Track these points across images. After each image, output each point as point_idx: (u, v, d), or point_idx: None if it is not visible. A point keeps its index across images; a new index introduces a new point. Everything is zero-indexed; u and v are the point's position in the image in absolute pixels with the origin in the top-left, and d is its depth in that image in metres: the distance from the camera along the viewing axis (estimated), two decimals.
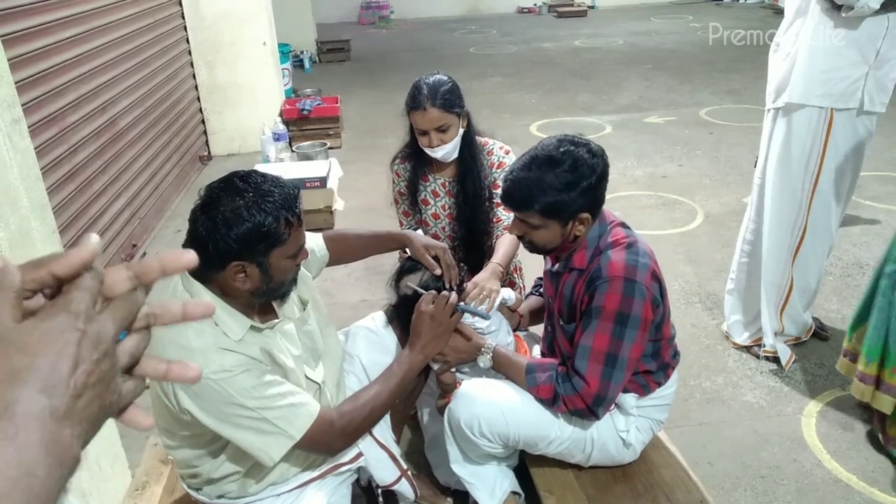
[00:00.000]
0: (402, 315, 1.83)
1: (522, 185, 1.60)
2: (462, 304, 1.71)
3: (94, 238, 0.45)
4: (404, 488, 1.76)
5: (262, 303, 1.49)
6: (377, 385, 1.59)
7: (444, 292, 1.68)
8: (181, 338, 1.33)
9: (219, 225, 1.31)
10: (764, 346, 2.73)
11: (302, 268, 1.68)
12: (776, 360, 2.69)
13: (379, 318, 1.96)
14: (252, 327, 1.41)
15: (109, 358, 0.44)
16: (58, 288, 0.45)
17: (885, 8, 2.15)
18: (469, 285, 1.88)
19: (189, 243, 1.37)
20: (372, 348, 1.87)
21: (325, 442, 1.47)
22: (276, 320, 1.50)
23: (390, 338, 1.89)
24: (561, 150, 1.59)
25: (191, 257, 0.48)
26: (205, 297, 1.38)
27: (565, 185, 1.56)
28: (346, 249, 1.91)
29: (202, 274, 1.40)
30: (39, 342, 0.41)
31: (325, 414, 1.45)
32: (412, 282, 1.80)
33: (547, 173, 1.57)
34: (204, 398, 1.34)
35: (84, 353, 0.42)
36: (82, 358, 0.42)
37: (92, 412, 0.42)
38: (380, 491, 1.77)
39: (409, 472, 1.77)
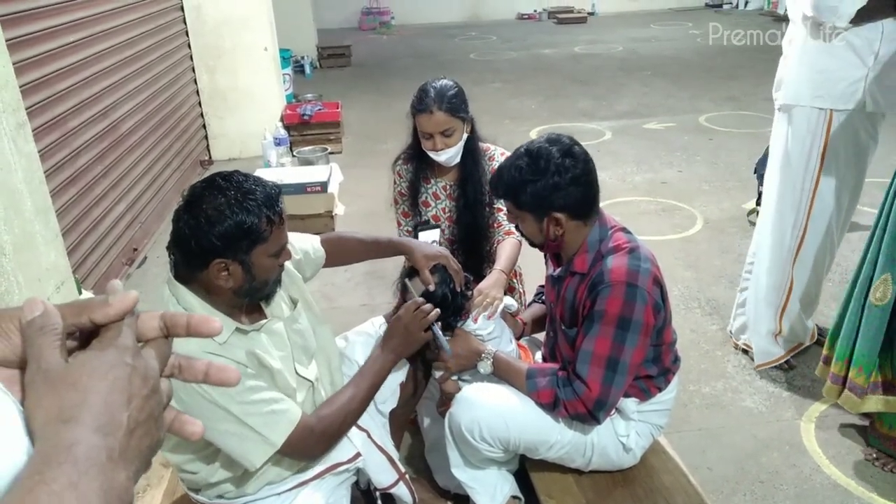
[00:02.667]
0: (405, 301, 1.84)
1: (499, 171, 1.70)
2: (436, 325, 1.70)
3: (133, 292, 0.46)
4: (402, 492, 1.77)
5: (249, 303, 1.50)
6: (351, 387, 1.61)
7: (428, 306, 1.68)
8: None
9: (201, 223, 1.33)
10: (732, 335, 2.82)
11: (293, 268, 1.70)
12: (780, 367, 2.70)
13: (379, 322, 1.96)
14: (238, 329, 1.42)
15: (157, 395, 0.44)
16: (92, 331, 0.45)
17: (868, 20, 2.15)
18: (474, 292, 1.89)
19: (173, 242, 1.40)
20: (371, 353, 1.87)
21: (305, 448, 1.49)
22: (265, 320, 1.51)
23: None
24: (537, 145, 1.64)
25: (216, 326, 0.49)
26: (189, 300, 1.40)
27: (523, 178, 1.62)
28: (344, 252, 1.92)
29: (186, 274, 1.41)
30: (91, 377, 0.40)
31: (305, 420, 1.46)
32: (421, 285, 1.80)
33: (514, 163, 1.64)
34: (187, 401, 1.35)
35: (135, 389, 0.42)
36: (134, 393, 0.42)
37: (143, 450, 0.42)
38: (378, 494, 1.78)
39: (406, 476, 1.78)
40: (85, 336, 0.45)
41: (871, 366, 2.10)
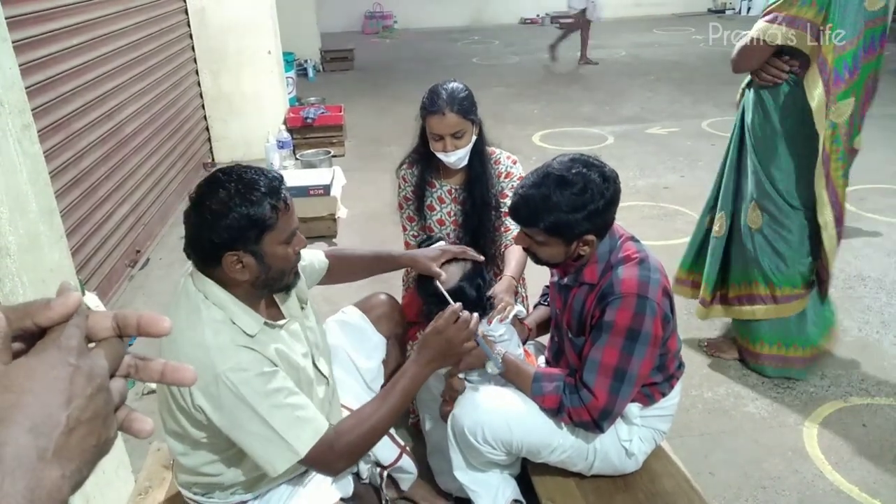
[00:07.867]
0: (428, 302, 1.84)
1: (530, 202, 1.60)
2: (480, 336, 1.58)
3: (76, 293, 0.46)
4: (406, 464, 1.81)
5: (267, 297, 1.50)
6: (383, 405, 1.53)
7: (467, 315, 1.55)
8: (197, 335, 1.35)
9: (208, 219, 1.34)
10: None
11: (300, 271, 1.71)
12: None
13: (350, 311, 2.00)
14: (266, 323, 1.43)
15: (104, 393, 0.44)
16: (39, 333, 0.45)
17: None
18: (493, 294, 1.90)
19: (187, 244, 1.41)
20: (353, 337, 1.92)
21: (326, 462, 1.47)
22: (285, 320, 1.52)
23: (366, 323, 1.96)
24: (573, 171, 1.58)
25: (166, 325, 0.49)
26: (220, 295, 1.40)
27: (572, 207, 1.56)
28: (347, 267, 1.95)
29: (204, 273, 1.42)
30: (28, 379, 0.41)
31: (328, 435, 1.43)
32: (454, 274, 1.78)
33: (555, 193, 1.57)
34: (217, 396, 1.34)
35: (77, 388, 0.42)
36: (75, 393, 0.41)
37: (86, 449, 0.42)
38: (384, 475, 1.82)
39: (407, 448, 1.83)
40: (33, 339, 0.45)
41: (712, 284, 2.71)
